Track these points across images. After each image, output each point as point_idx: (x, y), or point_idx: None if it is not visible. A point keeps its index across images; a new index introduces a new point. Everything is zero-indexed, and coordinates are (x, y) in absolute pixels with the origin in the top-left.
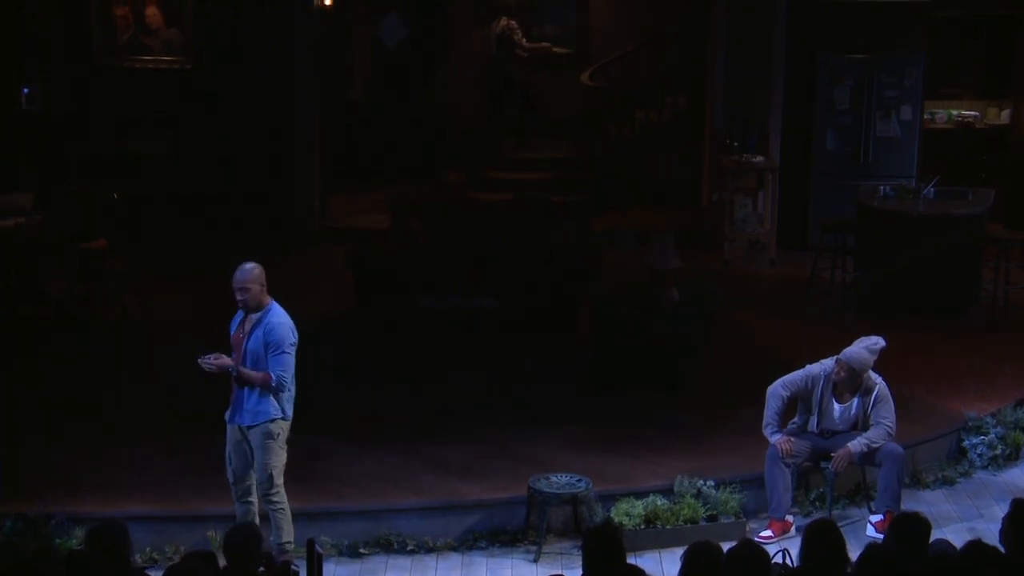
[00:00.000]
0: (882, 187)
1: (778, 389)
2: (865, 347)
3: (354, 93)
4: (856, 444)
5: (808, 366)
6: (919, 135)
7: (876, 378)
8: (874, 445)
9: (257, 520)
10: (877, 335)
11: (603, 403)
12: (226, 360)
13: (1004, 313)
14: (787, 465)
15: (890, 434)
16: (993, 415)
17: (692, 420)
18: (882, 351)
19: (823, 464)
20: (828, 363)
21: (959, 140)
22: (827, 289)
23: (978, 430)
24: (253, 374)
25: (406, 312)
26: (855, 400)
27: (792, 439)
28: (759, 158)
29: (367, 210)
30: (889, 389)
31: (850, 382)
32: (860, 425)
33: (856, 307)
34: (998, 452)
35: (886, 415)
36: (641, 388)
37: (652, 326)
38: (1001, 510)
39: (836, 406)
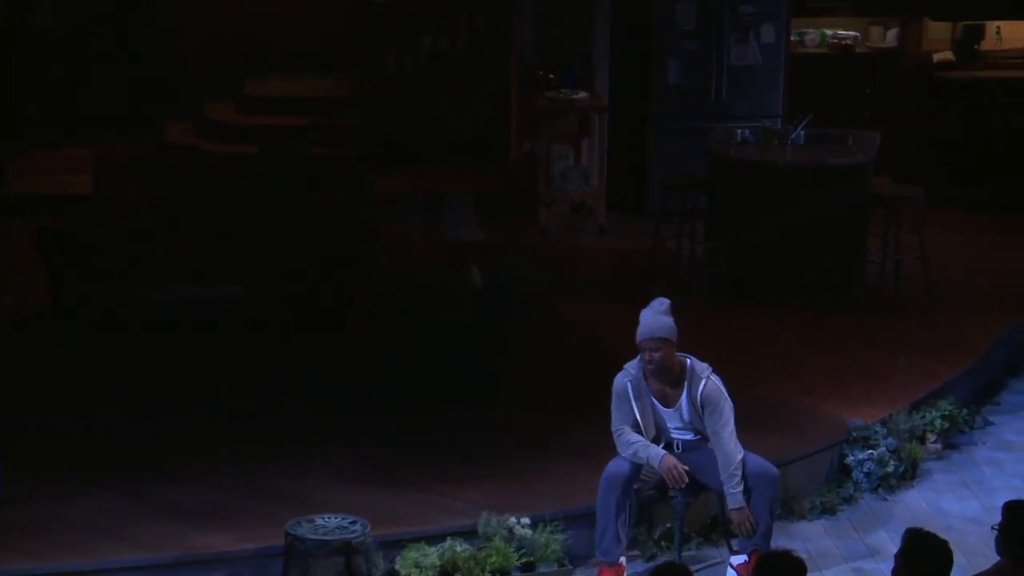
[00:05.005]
0: (739, 131)
1: (617, 427)
2: (658, 313)
3: (41, 16)
4: (733, 490)
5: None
6: (785, 63)
7: (701, 366)
8: (740, 470)
9: None
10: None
11: (384, 423)
12: None
13: (895, 292)
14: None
15: (737, 440)
16: (883, 422)
17: (501, 441)
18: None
19: (671, 492)
20: (631, 365)
21: (835, 68)
22: (672, 265)
23: (865, 442)
24: None
25: (119, 308)
26: (683, 400)
27: (681, 465)
28: (582, 95)
29: (64, 171)
30: (720, 378)
31: (665, 368)
32: (702, 431)
33: (709, 287)
34: (890, 470)
35: (726, 417)
36: (434, 401)
37: (448, 319)
38: (894, 544)
39: (664, 411)
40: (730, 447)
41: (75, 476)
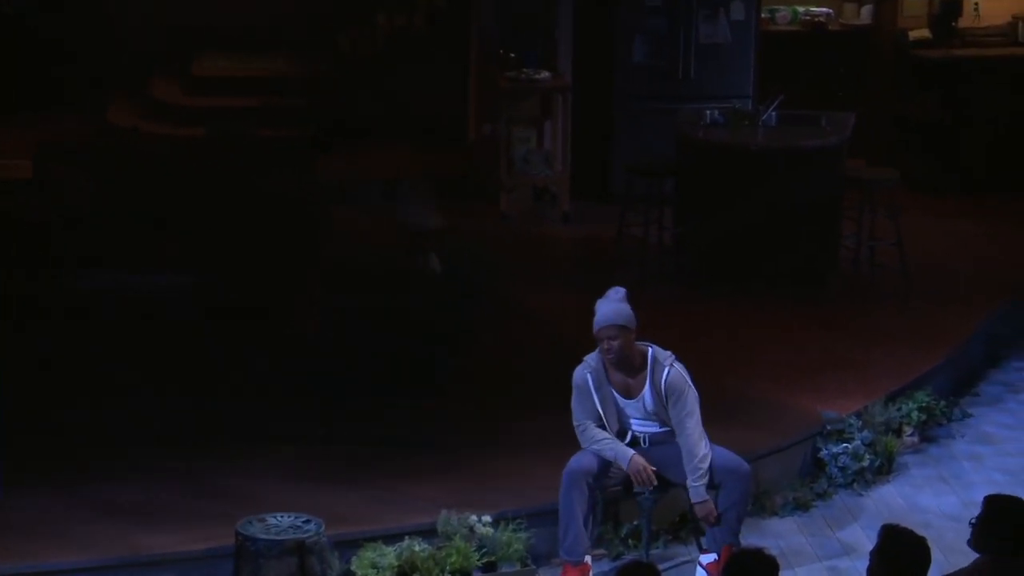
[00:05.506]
0: (708, 112)
1: (579, 421)
2: (614, 301)
3: None
4: (695, 483)
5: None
6: (755, 41)
7: (663, 354)
8: (704, 463)
9: None
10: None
11: (339, 417)
12: None
13: (870, 279)
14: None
15: (703, 431)
16: (858, 415)
17: (461, 436)
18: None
19: (637, 489)
20: (590, 357)
21: (808, 46)
22: (639, 253)
23: (839, 436)
24: None
25: (58, 296)
26: (646, 390)
27: (650, 467)
28: (544, 75)
29: (1, 155)
30: (683, 366)
31: (625, 357)
32: (667, 422)
33: (677, 275)
34: (865, 464)
35: (690, 407)
36: (391, 395)
37: (406, 309)
38: (870, 541)
39: (625, 403)
40: (694, 438)
41: (11, 476)
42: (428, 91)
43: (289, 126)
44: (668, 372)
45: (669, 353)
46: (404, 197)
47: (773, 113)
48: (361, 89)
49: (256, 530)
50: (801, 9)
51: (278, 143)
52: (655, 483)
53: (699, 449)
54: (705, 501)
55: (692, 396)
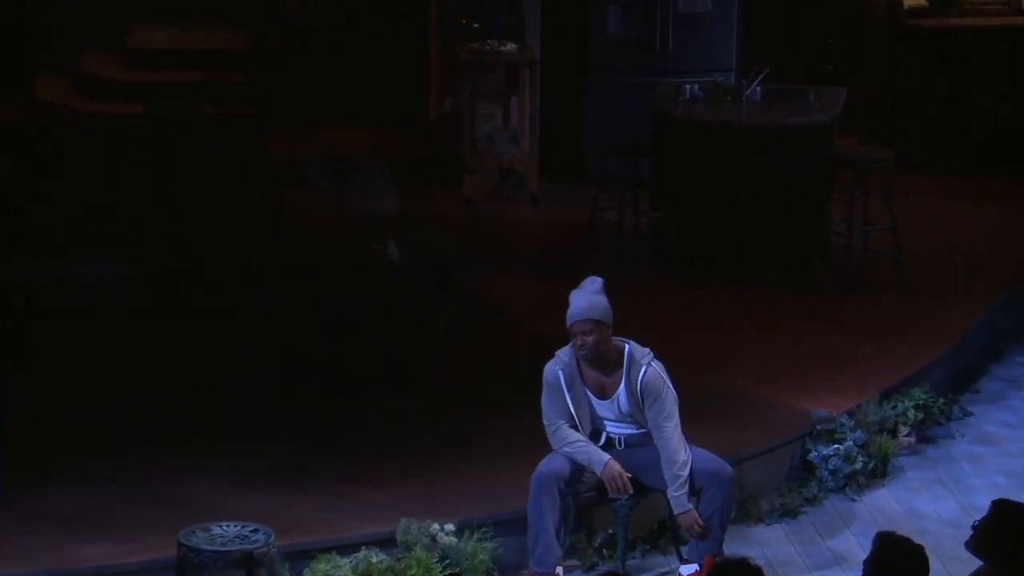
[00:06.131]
0: (688, 86)
1: (550, 421)
2: (590, 293)
3: None
4: (676, 493)
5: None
6: (738, 10)
7: (641, 351)
8: (684, 470)
9: None
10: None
11: (289, 418)
12: None
13: (863, 267)
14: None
15: (682, 434)
16: (850, 413)
17: (421, 438)
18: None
19: (612, 496)
20: (563, 352)
21: (795, 16)
22: (614, 239)
23: (830, 436)
24: None
25: None
26: (620, 390)
27: (626, 474)
28: (510, 46)
29: None
30: (662, 365)
31: (600, 354)
32: (644, 424)
33: (655, 263)
34: (857, 467)
35: (668, 410)
36: (348, 394)
37: (362, 301)
38: (863, 549)
39: (598, 403)
40: (673, 444)
41: None
42: (384, 65)
43: (235, 103)
44: (645, 372)
45: (647, 351)
46: (359, 180)
47: (757, 88)
48: (312, 62)
49: (200, 540)
50: None
51: (225, 122)
52: (631, 491)
53: (679, 455)
54: (688, 511)
55: (671, 398)
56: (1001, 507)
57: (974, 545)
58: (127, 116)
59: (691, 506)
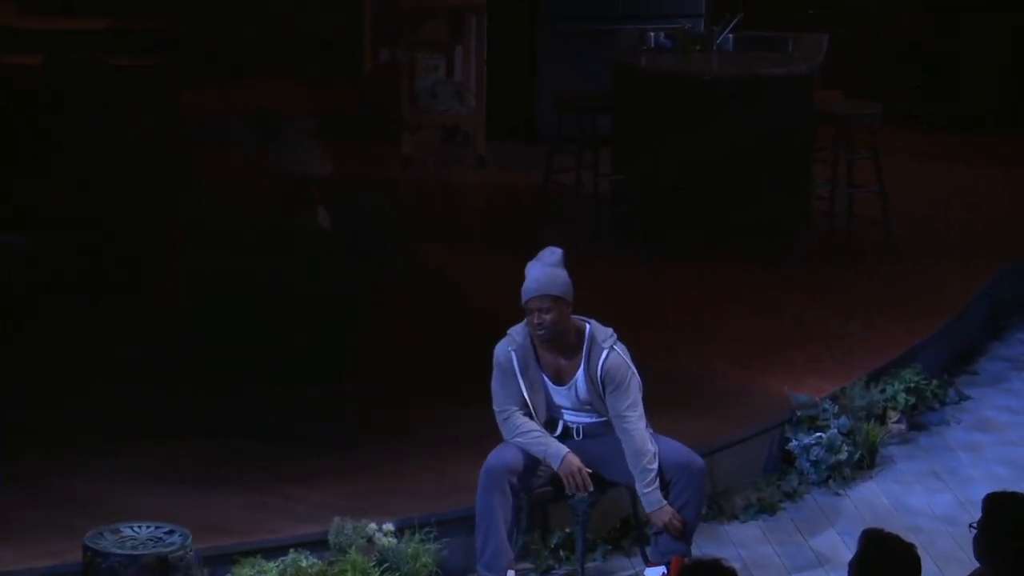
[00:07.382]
0: (652, 34)
1: (501, 408)
2: (548, 265)
3: None
4: (646, 489)
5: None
6: None
7: (603, 332)
8: (654, 463)
9: None
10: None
11: (207, 407)
12: None
13: (848, 235)
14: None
15: (648, 425)
16: (834, 398)
17: (357, 429)
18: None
19: (569, 492)
20: (515, 331)
21: None
22: (571, 204)
23: (811, 423)
24: None
25: None
26: (579, 375)
27: (585, 469)
28: None
29: None
30: (625, 348)
31: (558, 334)
32: (604, 412)
33: (617, 231)
34: (842, 457)
35: (633, 397)
36: (275, 381)
37: (286, 274)
38: (849, 549)
39: (554, 389)
40: (639, 435)
41: None
42: (313, 11)
43: (147, 53)
44: (607, 356)
45: (610, 331)
46: (286, 138)
47: (730, 36)
48: (232, 7)
49: (108, 543)
50: None
51: (133, 73)
52: (591, 488)
53: (646, 447)
54: (663, 507)
55: (635, 384)
56: (994, 501)
57: (977, 551)
58: (23, 67)
59: (665, 502)
